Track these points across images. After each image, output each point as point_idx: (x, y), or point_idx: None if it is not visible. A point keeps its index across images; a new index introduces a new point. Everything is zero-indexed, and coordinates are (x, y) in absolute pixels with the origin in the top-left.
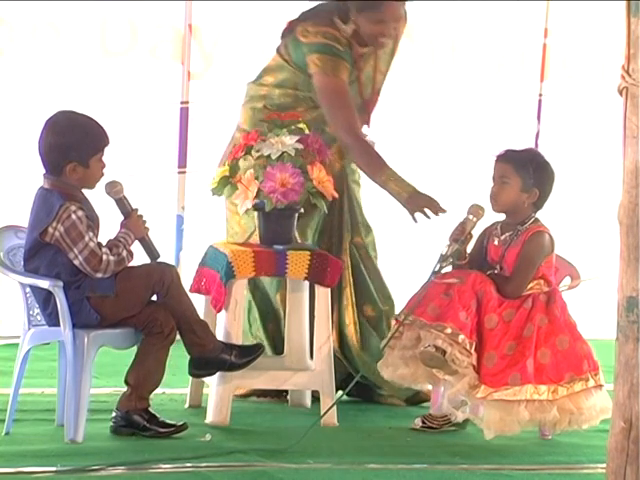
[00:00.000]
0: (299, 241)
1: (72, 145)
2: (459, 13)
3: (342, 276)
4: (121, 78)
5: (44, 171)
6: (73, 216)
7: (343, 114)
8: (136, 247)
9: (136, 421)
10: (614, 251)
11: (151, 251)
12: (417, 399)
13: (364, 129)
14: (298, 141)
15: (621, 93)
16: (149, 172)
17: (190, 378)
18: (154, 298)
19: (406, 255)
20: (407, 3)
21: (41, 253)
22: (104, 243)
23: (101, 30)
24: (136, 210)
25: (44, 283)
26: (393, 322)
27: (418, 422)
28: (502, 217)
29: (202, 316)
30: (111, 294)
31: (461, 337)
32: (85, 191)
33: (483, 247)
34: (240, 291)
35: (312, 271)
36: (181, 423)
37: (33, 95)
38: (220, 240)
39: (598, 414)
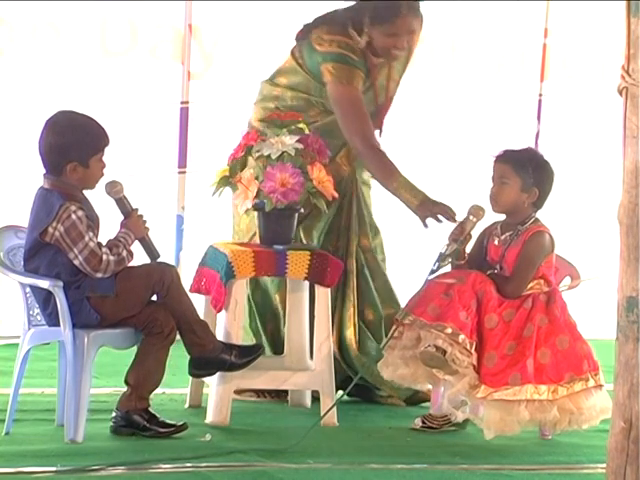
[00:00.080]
0: (304, 242)
1: (72, 145)
2: (459, 13)
3: (347, 280)
4: (121, 78)
5: (44, 171)
6: (73, 216)
7: (357, 123)
8: (136, 247)
9: (136, 421)
10: (614, 251)
11: (151, 251)
12: (417, 399)
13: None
14: (298, 141)
15: (621, 93)
16: (149, 172)
17: (190, 378)
18: (154, 298)
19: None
20: (422, 8)
21: (41, 253)
22: (104, 243)
23: (101, 30)
24: (136, 210)
25: (44, 283)
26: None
27: (418, 422)
28: (502, 217)
29: (202, 316)
30: (111, 294)
31: (461, 337)
32: (85, 191)
33: (483, 247)
34: (240, 291)
35: (312, 271)
36: (181, 423)
37: (33, 95)
38: (220, 240)
39: (598, 414)
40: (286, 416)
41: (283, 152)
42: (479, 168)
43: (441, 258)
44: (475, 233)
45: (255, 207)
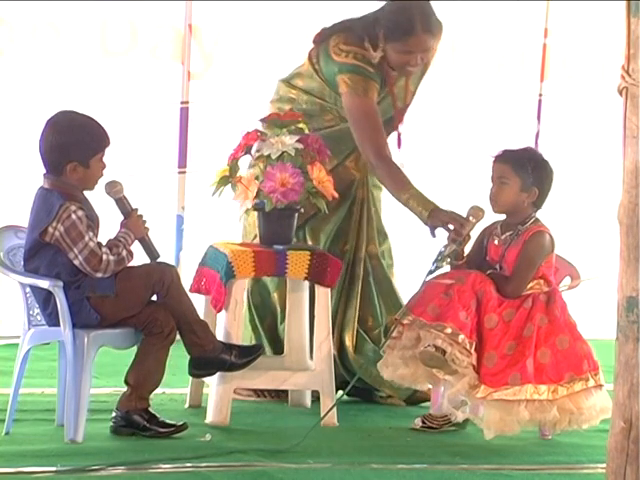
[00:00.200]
0: (311, 244)
1: (73, 145)
2: (459, 13)
3: (353, 285)
4: (121, 78)
5: (44, 171)
6: (73, 216)
7: (371, 135)
8: (136, 247)
9: (136, 421)
10: (614, 251)
11: (151, 251)
12: (417, 399)
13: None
14: (298, 141)
15: (621, 93)
16: (149, 172)
17: (190, 378)
18: (154, 298)
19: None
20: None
21: (41, 253)
22: (104, 243)
23: (101, 30)
24: (136, 210)
25: (44, 283)
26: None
27: (418, 422)
28: (502, 217)
29: (202, 316)
30: (111, 294)
31: (461, 337)
32: (85, 191)
33: (483, 247)
34: (240, 291)
35: (312, 271)
36: (181, 423)
37: (33, 95)
38: (220, 240)
39: (598, 414)
40: (286, 416)
41: (283, 152)
42: (479, 168)
43: (440, 258)
44: (475, 233)
45: (255, 207)
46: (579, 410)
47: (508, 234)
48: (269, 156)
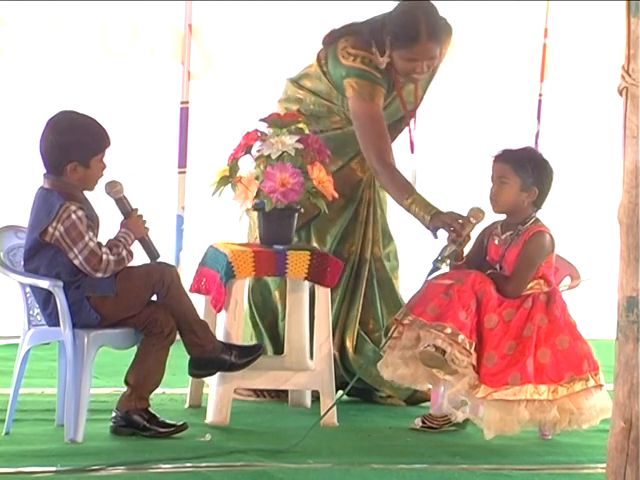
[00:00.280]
0: (316, 245)
1: (73, 145)
2: (459, 13)
3: (357, 286)
4: (121, 78)
5: (44, 171)
6: (73, 216)
7: (375, 141)
8: (136, 247)
9: (136, 421)
10: (614, 251)
11: (151, 251)
12: (416, 399)
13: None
14: (298, 141)
15: (621, 93)
16: (149, 172)
17: (190, 378)
18: (154, 298)
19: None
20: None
21: (41, 253)
22: (104, 243)
23: (101, 30)
24: (136, 210)
25: (44, 283)
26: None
27: (418, 422)
28: (502, 217)
29: (202, 316)
30: (111, 294)
31: (461, 337)
32: (85, 191)
33: (483, 246)
34: (240, 291)
35: (312, 271)
36: (181, 423)
37: (33, 95)
38: (220, 240)
39: (598, 414)
40: (286, 416)
41: (283, 152)
42: (479, 168)
43: (439, 259)
44: (475, 233)
45: (255, 207)
46: (579, 410)
47: (508, 234)
48: (269, 156)
